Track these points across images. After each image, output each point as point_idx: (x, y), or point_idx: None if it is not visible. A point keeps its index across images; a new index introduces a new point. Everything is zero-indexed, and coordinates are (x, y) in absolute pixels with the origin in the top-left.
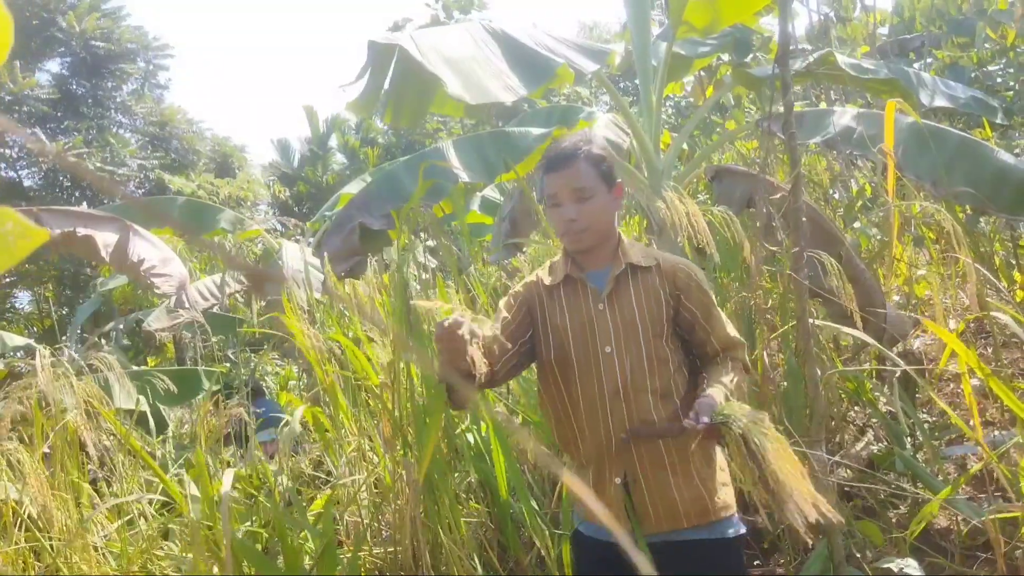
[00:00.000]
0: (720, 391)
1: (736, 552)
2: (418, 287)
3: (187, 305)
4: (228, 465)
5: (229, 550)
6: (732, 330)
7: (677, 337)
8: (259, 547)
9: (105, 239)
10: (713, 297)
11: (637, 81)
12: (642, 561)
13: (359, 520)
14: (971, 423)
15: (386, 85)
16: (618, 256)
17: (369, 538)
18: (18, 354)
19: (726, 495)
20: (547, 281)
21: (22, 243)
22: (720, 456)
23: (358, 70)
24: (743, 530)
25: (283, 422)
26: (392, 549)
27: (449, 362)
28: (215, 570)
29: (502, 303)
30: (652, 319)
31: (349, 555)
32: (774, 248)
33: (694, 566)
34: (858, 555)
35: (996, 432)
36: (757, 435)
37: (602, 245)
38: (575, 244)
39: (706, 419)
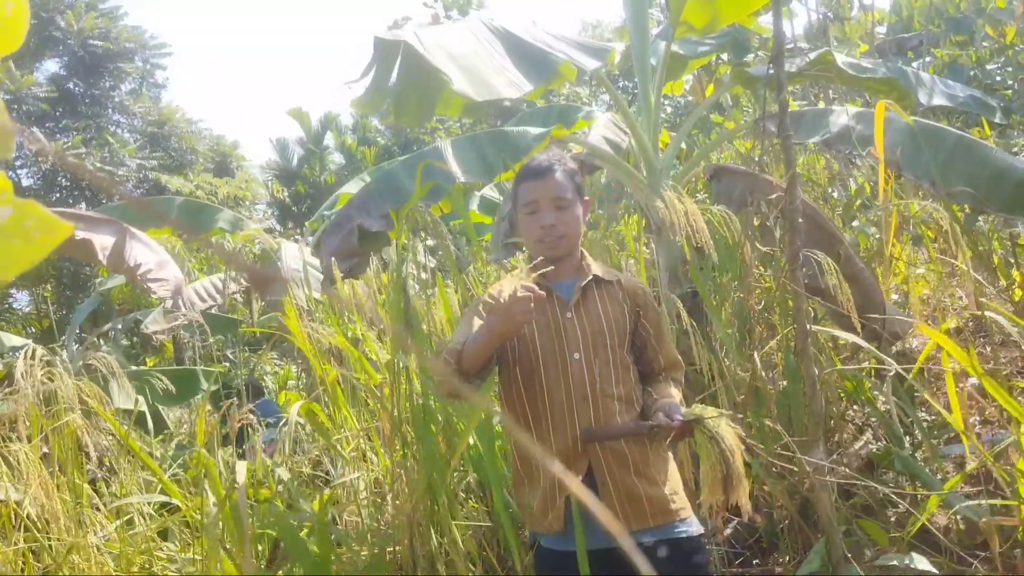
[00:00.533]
0: (677, 399)
1: (703, 549)
2: (417, 286)
3: (182, 309)
4: (230, 465)
5: (248, 545)
6: (675, 352)
7: (631, 351)
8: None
9: (102, 242)
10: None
11: (635, 80)
12: (642, 561)
13: (359, 520)
14: (970, 422)
15: (391, 82)
16: (583, 268)
17: (370, 538)
18: (16, 355)
19: (682, 496)
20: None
21: (46, 238)
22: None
23: (363, 67)
24: (703, 529)
25: (282, 422)
26: (391, 549)
27: (507, 332)
28: (222, 569)
29: (470, 311)
30: (618, 329)
31: (348, 555)
32: (770, 248)
33: (665, 563)
34: (854, 553)
35: (994, 431)
36: (727, 434)
37: (570, 256)
38: (551, 250)
39: (679, 417)
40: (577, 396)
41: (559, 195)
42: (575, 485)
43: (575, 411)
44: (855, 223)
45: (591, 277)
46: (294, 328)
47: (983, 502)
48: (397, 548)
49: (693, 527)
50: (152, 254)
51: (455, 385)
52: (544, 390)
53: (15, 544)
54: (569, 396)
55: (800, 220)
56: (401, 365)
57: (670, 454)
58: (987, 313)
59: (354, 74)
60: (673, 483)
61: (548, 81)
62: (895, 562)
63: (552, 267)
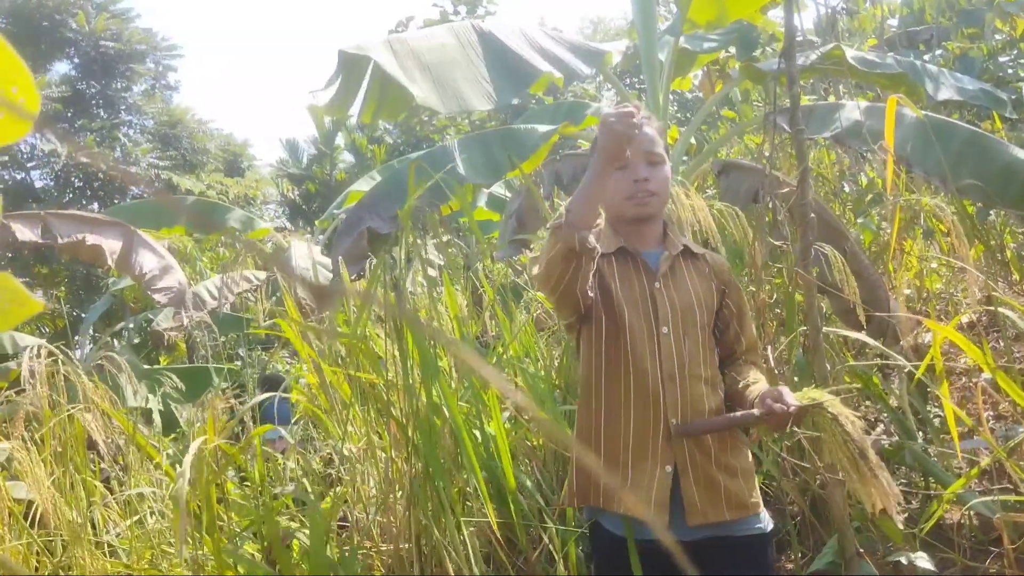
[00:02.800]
0: (764, 384)
1: (772, 546)
2: (424, 283)
3: (184, 313)
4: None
5: (182, 537)
6: (755, 334)
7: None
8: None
9: (111, 246)
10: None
11: (641, 77)
12: (683, 559)
13: (366, 517)
14: (982, 417)
15: (361, 91)
16: (670, 238)
17: (378, 536)
18: (32, 354)
19: (757, 489)
20: (599, 246)
21: (16, 310)
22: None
23: (328, 77)
24: (772, 525)
25: (291, 420)
26: (400, 547)
27: (613, 150)
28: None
29: None
30: (706, 306)
31: (362, 552)
32: (780, 243)
33: (736, 560)
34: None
35: (1007, 426)
36: (847, 416)
37: (655, 222)
38: (640, 209)
39: (794, 403)
40: (664, 375)
41: (652, 149)
42: (660, 475)
43: (662, 391)
44: (862, 220)
45: (681, 247)
46: (291, 335)
47: (996, 498)
48: (402, 547)
49: (767, 522)
50: (157, 260)
51: (556, 245)
52: (630, 365)
53: (27, 540)
54: (656, 374)
55: (812, 216)
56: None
57: (746, 444)
58: (1000, 309)
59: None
60: (749, 474)
61: (524, 91)
62: (902, 559)
63: (638, 228)
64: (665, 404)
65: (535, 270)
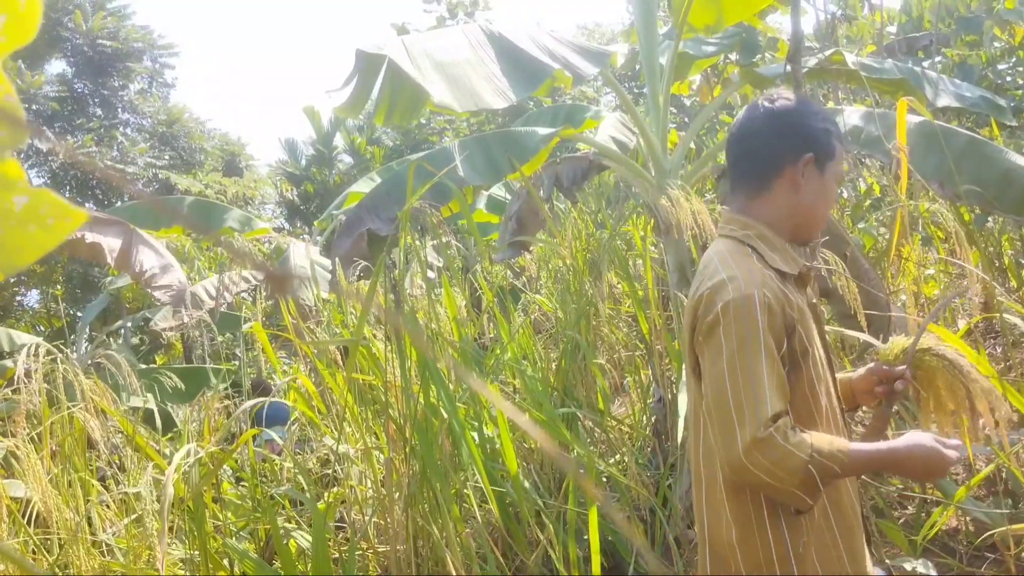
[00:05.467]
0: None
1: None
2: (423, 285)
3: (184, 311)
4: (235, 462)
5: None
6: None
7: None
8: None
9: (111, 244)
10: None
11: (638, 82)
12: None
13: (363, 518)
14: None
15: (375, 91)
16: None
17: (374, 537)
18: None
19: None
20: (781, 266)
21: (61, 224)
22: None
23: (345, 76)
24: None
25: (289, 421)
26: (397, 548)
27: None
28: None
29: (757, 346)
30: None
31: (358, 552)
32: None
33: None
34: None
35: (1008, 433)
36: (949, 348)
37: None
38: (819, 230)
39: (897, 367)
40: (840, 411)
41: None
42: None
43: (845, 432)
44: (862, 225)
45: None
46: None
47: (997, 511)
48: (400, 547)
49: None
50: (157, 258)
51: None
52: (828, 407)
53: (25, 539)
54: (839, 412)
55: None
56: (405, 365)
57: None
58: (1001, 313)
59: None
60: None
61: (537, 90)
62: (906, 566)
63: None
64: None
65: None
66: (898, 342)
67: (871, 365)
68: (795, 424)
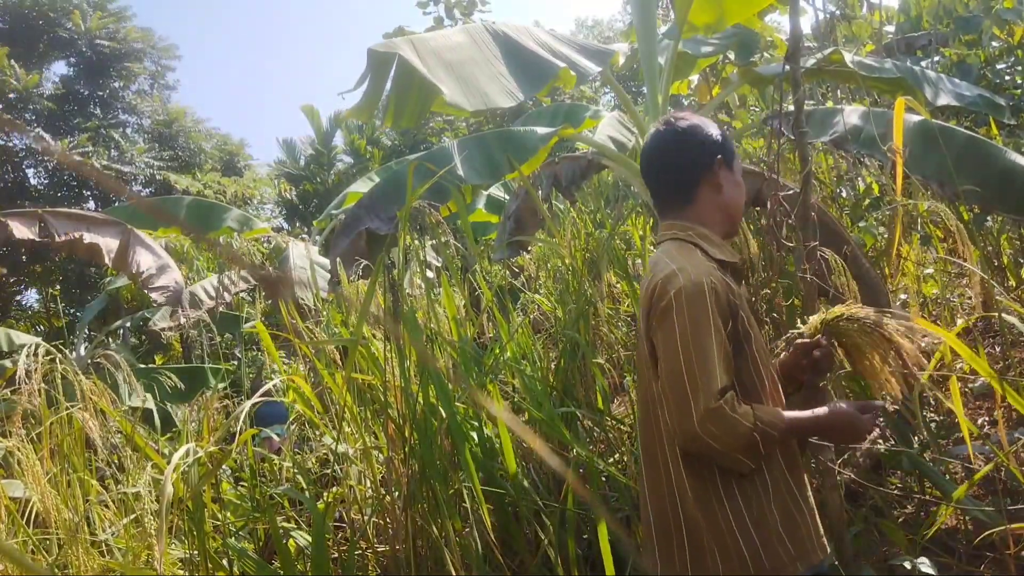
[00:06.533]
0: None
1: None
2: (422, 284)
3: (181, 312)
4: (235, 461)
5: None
6: None
7: None
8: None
9: (108, 244)
10: None
11: (637, 81)
12: None
13: (362, 518)
14: (978, 423)
15: (386, 91)
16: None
17: (374, 537)
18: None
19: None
20: (722, 256)
21: None
22: None
23: (357, 77)
24: None
25: (288, 420)
26: (396, 548)
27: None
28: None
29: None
30: None
31: (357, 552)
32: (778, 247)
33: None
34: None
35: (1008, 432)
36: (856, 311)
37: None
38: (737, 225)
39: (809, 338)
40: (780, 391)
41: None
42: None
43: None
44: (861, 224)
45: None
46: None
47: (990, 509)
48: (399, 548)
49: None
50: (154, 258)
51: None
52: (771, 385)
53: (24, 539)
54: (780, 390)
55: (813, 215)
56: (404, 364)
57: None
58: (1000, 313)
59: (354, 80)
60: None
61: (545, 88)
62: (906, 564)
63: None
64: None
65: (711, 428)
66: (814, 318)
67: (793, 344)
68: (741, 399)
